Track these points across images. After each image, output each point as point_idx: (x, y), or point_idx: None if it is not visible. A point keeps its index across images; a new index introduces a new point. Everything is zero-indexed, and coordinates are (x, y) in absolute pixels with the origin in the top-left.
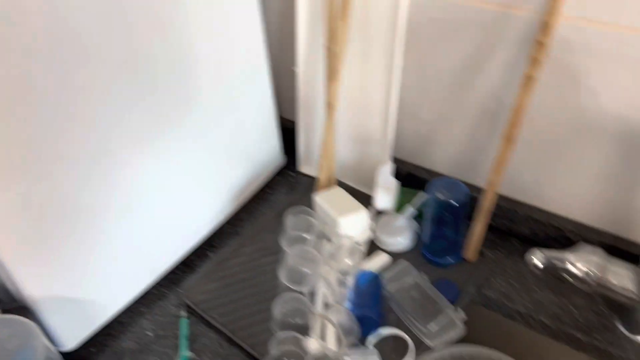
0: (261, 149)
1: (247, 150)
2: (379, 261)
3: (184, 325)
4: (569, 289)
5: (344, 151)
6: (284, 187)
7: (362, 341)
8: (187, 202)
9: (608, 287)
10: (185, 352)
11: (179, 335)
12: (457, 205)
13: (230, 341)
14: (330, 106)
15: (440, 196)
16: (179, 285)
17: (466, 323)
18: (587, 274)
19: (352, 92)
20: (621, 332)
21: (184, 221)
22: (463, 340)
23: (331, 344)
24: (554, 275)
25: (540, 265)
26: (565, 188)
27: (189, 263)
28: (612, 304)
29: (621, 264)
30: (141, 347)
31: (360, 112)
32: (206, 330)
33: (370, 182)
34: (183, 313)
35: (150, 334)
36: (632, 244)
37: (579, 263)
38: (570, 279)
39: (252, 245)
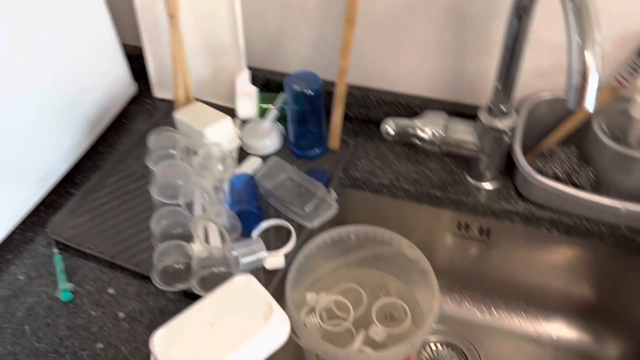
0: (109, 80)
1: (93, 82)
2: (252, 164)
3: (59, 261)
4: (423, 157)
5: (198, 67)
6: (142, 115)
7: (246, 237)
8: (35, 141)
9: (453, 143)
10: (64, 285)
11: (55, 272)
12: (313, 94)
13: (113, 266)
14: (172, 17)
15: (297, 88)
16: (44, 226)
17: (340, 204)
18: (433, 134)
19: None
20: (469, 182)
21: (35, 161)
22: (339, 221)
23: (215, 243)
24: (406, 142)
25: (392, 132)
26: (408, 66)
27: (51, 203)
28: (459, 161)
29: (461, 121)
30: (14, 292)
31: (206, 21)
32: (84, 262)
33: (230, 94)
34: (55, 250)
35: (21, 277)
36: (469, 106)
37: (426, 127)
38: (420, 143)
39: (117, 174)
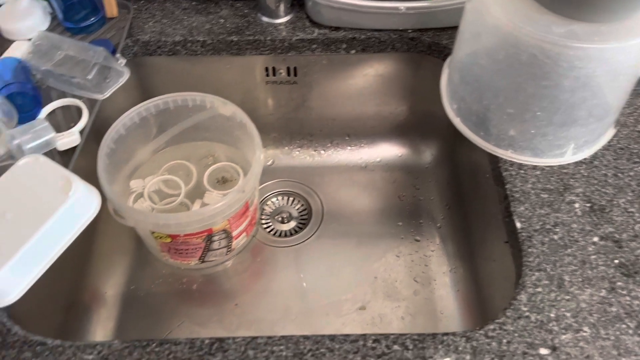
0: None
1: None
2: (18, 49)
3: None
4: (213, 6)
5: None
6: None
7: None
8: None
9: None
10: None
11: None
12: None
13: None
14: None
15: None
16: None
17: (139, 78)
18: None
19: None
20: (264, 21)
21: None
22: (146, 97)
23: None
24: None
25: None
26: None
27: None
28: (249, 2)
29: None
30: None
31: None
32: None
33: None
34: None
35: None
36: None
37: None
38: None
39: None
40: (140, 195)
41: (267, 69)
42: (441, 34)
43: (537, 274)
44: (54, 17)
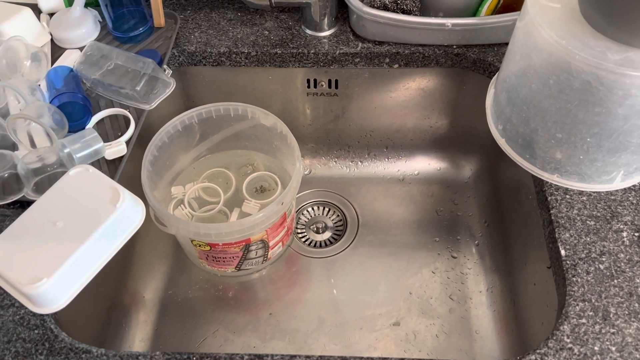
0: None
1: None
2: (69, 57)
3: None
4: (258, 18)
5: None
6: None
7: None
8: None
9: None
10: None
11: None
12: None
13: None
14: None
15: None
16: None
17: (183, 87)
18: None
19: None
20: (308, 34)
21: None
22: (189, 105)
23: (42, 143)
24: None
25: None
26: None
27: None
28: (294, 14)
29: None
30: None
31: None
32: None
33: None
34: None
35: None
36: None
37: None
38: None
39: None
40: (181, 201)
41: (308, 81)
42: (487, 50)
43: (581, 304)
44: (103, 26)
